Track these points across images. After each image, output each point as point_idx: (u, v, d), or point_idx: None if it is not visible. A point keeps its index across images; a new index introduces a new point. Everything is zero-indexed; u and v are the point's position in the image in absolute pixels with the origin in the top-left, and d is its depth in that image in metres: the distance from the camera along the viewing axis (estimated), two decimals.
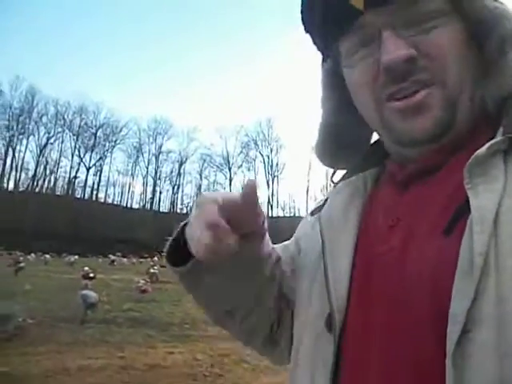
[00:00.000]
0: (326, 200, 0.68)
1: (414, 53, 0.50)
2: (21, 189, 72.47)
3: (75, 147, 77.37)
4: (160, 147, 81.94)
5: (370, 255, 0.55)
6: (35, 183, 74.00)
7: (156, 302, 12.00)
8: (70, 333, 7.55)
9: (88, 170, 77.73)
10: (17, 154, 74.41)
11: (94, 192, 78.92)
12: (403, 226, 0.53)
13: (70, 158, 77.70)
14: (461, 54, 0.52)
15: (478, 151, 0.46)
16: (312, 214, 0.70)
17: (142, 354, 6.39)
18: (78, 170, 77.56)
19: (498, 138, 0.47)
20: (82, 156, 77.36)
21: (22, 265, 19.04)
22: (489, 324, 0.40)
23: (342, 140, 0.67)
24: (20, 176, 74.35)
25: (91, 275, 15.84)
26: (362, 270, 0.55)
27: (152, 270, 19.37)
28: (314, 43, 0.62)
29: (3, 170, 73.52)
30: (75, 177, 77.19)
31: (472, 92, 0.54)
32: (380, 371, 0.48)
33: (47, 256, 33.27)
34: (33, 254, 32.01)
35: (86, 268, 17.25)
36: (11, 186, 73.13)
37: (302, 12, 0.60)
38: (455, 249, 0.44)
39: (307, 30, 0.61)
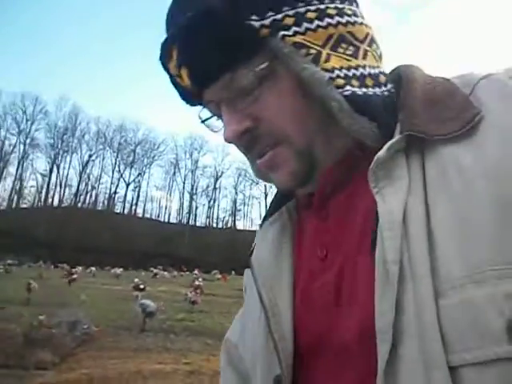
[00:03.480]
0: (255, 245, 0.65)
1: (247, 124, 0.51)
2: (64, 204, 75.69)
3: (115, 164, 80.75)
4: (196, 162, 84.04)
5: (308, 293, 0.53)
6: (78, 199, 77.20)
7: (206, 313, 12.31)
8: (133, 340, 7.92)
9: (127, 185, 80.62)
10: (61, 171, 78.29)
11: (133, 207, 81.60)
12: (333, 256, 0.52)
13: (110, 174, 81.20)
14: (296, 111, 0.50)
15: (378, 154, 0.45)
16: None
17: (205, 360, 6.63)
18: (117, 185, 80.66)
19: (396, 137, 0.46)
20: (121, 172, 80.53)
21: (74, 276, 19.79)
22: (410, 336, 0.39)
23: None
24: (64, 192, 78.00)
25: (141, 287, 16.30)
26: (304, 311, 0.53)
27: (197, 283, 19.72)
28: None
29: (48, 186, 77.42)
30: (115, 192, 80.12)
31: (325, 135, 0.52)
32: None
33: (93, 269, 34.39)
34: (79, 267, 33.07)
35: (136, 280, 17.73)
36: (56, 201, 76.62)
37: None
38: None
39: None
